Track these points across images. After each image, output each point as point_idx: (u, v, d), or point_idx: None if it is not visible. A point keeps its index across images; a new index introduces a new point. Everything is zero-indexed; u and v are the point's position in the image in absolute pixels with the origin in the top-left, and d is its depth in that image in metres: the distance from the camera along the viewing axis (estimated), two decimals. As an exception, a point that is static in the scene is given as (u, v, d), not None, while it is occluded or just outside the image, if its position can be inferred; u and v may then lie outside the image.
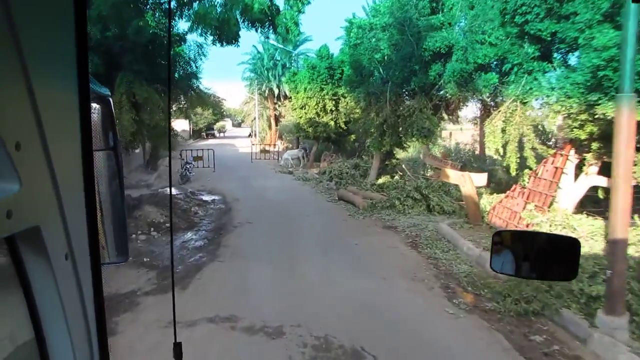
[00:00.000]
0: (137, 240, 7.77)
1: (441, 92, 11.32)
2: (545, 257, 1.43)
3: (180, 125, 50.34)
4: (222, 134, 67.38)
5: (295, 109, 19.59)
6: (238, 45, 9.42)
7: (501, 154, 8.57)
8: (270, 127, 38.98)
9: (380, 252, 7.38)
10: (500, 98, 9.13)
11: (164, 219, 8.74)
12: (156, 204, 9.17)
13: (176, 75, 12.11)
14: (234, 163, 22.26)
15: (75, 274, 0.85)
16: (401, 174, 14.11)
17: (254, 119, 45.25)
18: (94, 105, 0.95)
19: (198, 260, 6.92)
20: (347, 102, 17.16)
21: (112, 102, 1.03)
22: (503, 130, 8.46)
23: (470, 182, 8.51)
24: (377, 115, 12.72)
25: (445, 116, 12.70)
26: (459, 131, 16.76)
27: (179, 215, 9.45)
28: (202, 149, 19.93)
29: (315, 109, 18.15)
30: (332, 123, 18.39)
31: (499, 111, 8.74)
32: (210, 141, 50.68)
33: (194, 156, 19.27)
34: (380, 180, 13.26)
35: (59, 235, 0.80)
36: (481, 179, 8.91)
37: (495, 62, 8.82)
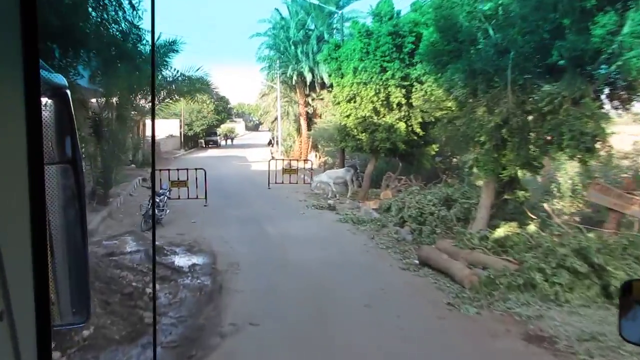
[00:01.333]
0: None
1: (611, 69, 9.63)
2: None
3: (165, 128, 50.90)
4: (229, 141, 67.69)
5: (338, 103, 19.02)
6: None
7: None
8: (299, 131, 38.74)
9: None
10: None
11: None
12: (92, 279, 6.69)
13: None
14: (241, 190, 22.15)
15: (14, 339, 0.90)
16: (534, 218, 11.40)
17: (275, 119, 44.50)
18: (45, 101, 1.03)
19: None
20: (428, 91, 16.24)
21: (69, 97, 1.13)
22: None
23: None
24: (490, 112, 11.24)
25: (611, 109, 10.62)
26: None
27: (113, 307, 6.95)
28: (188, 168, 18.17)
29: (373, 102, 17.53)
30: (400, 125, 17.54)
31: None
32: (212, 152, 51.75)
33: (172, 181, 17.39)
34: (500, 231, 10.54)
35: None
36: None
37: None
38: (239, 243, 12.55)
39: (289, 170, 23.22)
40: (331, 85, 23.37)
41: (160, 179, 17.86)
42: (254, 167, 33.85)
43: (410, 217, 13.88)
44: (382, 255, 11.82)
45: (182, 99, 23.83)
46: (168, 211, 15.19)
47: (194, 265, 10.44)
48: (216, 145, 59.82)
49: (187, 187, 18.15)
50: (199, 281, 9.39)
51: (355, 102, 18.09)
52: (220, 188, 21.52)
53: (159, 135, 47.00)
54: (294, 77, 35.21)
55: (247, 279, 9.63)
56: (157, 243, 11.96)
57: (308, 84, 34.96)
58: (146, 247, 11.51)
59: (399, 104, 17.37)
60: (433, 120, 16.24)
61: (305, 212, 17.34)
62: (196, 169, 18.69)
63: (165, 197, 15.24)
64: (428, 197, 14.39)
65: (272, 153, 45.74)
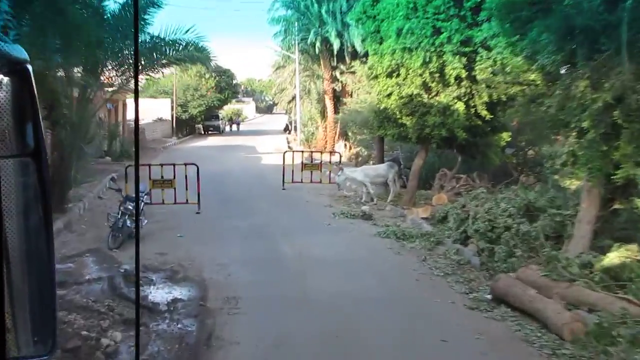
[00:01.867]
0: None
1: None
2: None
3: (152, 109, 50.45)
4: (234, 127, 67.70)
5: (375, 78, 18.58)
6: None
7: None
8: (323, 114, 38.60)
9: None
10: None
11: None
12: None
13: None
14: (246, 192, 21.95)
15: None
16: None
17: (293, 98, 44.25)
18: (0, 78, 1.12)
19: None
20: (499, 59, 15.53)
21: (31, 73, 1.20)
22: None
23: None
24: (596, 87, 10.24)
25: None
26: None
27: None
28: (176, 164, 18.19)
29: (422, 75, 17.01)
30: (459, 107, 16.94)
31: None
32: (212, 141, 51.89)
33: (155, 180, 16.83)
34: (611, 256, 9.44)
35: None
36: None
37: None
38: (240, 267, 11.70)
39: (310, 166, 22.78)
40: (366, 54, 23.26)
41: (135, 178, 16.86)
42: (265, 160, 33.56)
43: (476, 231, 12.93)
44: (439, 286, 10.86)
45: (168, 70, 22.92)
46: (146, 222, 14.27)
47: (175, 301, 9.38)
48: (218, 131, 59.87)
49: (175, 189, 17.49)
50: (179, 326, 8.29)
51: (398, 75, 17.69)
52: (220, 189, 21.33)
53: (144, 119, 46.97)
54: (317, 45, 34.91)
55: (249, 324, 8.51)
56: (126, 267, 11.13)
57: (335, 52, 34.65)
58: (112, 272, 10.57)
59: (458, 78, 16.81)
60: (504, 99, 15.95)
61: (332, 222, 16.62)
62: (186, 165, 18.00)
63: (143, 203, 14.30)
64: (501, 204, 13.30)
65: (288, 142, 45.91)
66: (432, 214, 16.32)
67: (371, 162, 26.22)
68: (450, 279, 11.22)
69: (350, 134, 33.18)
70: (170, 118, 52.60)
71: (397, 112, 17.90)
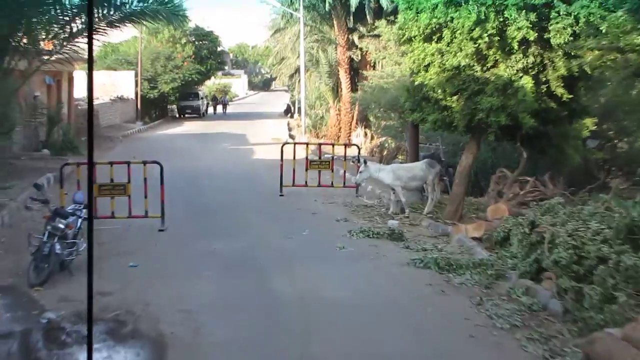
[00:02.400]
0: None
1: None
2: None
3: (110, 85, 49.79)
4: (220, 108, 68.45)
5: (409, 42, 18.15)
6: None
7: None
8: (336, 92, 38.86)
9: None
10: None
11: None
12: None
13: None
14: (231, 199, 21.74)
15: None
16: None
17: (296, 70, 44.72)
18: None
19: None
20: (582, 16, 15.20)
21: None
22: None
23: None
24: None
25: None
26: None
27: None
28: (130, 162, 17.67)
29: (473, 39, 16.56)
30: (526, 83, 16.59)
31: None
32: (189, 127, 52.44)
33: (101, 185, 16.91)
34: None
35: None
36: None
37: None
38: (215, 317, 10.94)
39: (317, 164, 22.33)
40: (394, 11, 23.47)
41: (78, 183, 16.92)
42: (258, 153, 33.50)
43: (556, 263, 12.15)
44: (505, 347, 9.99)
45: (127, 32, 22.55)
46: (84, 246, 13.40)
47: (113, 375, 8.33)
48: (197, 114, 60.52)
49: (129, 197, 16.84)
50: None
51: (440, 39, 17.26)
52: (194, 196, 21.24)
53: (98, 98, 47.06)
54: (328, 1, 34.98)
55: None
56: (50, 316, 10.45)
57: (353, 9, 34.62)
58: (29, 324, 9.91)
59: (524, 42, 16.33)
60: (588, 73, 15.79)
61: (348, 244, 15.93)
62: (145, 163, 17.29)
63: (79, 220, 13.35)
64: (591, 223, 12.63)
65: (290, 129, 46.46)
66: (487, 233, 15.75)
67: (400, 158, 25.35)
68: (520, 334, 10.35)
69: (372, 118, 32.56)
70: (134, 96, 52.42)
71: (439, 91, 17.32)
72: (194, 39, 57.00)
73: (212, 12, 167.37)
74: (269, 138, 41.06)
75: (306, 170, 21.71)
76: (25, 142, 28.61)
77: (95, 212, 15.99)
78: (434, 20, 16.76)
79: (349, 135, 36.36)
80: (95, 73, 50.87)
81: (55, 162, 25.86)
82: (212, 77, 67.63)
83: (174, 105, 59.12)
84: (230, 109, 70.79)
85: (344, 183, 21.62)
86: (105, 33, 19.70)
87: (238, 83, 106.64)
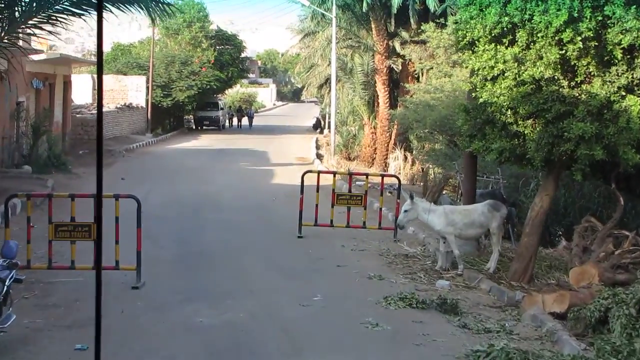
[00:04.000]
0: None
1: None
2: None
3: (119, 91, 48.51)
4: (245, 121, 67.95)
5: (469, 46, 15.88)
6: None
7: None
8: (372, 107, 37.43)
9: None
10: None
11: None
12: None
13: None
14: (234, 239, 19.06)
15: None
16: None
17: (326, 80, 43.61)
18: None
19: None
20: None
21: None
22: None
23: None
24: None
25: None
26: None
27: None
28: (99, 195, 13.46)
29: (561, 43, 14.39)
30: (631, 104, 14.70)
31: None
32: (205, 140, 52.16)
33: (59, 225, 14.75)
34: None
35: None
36: None
37: None
38: None
39: (347, 199, 19.47)
40: (443, 14, 22.77)
41: (29, 222, 14.41)
42: (279, 177, 31.13)
43: None
44: None
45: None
46: (14, 317, 11.01)
47: None
48: (216, 126, 59.18)
49: (95, 241, 13.89)
50: None
51: (513, 43, 14.74)
52: (189, 232, 19.07)
53: (102, 106, 43.51)
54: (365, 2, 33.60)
55: None
56: None
57: (395, 10, 33.20)
58: None
59: (631, 50, 14.04)
60: None
61: (382, 317, 13.23)
62: (117, 198, 14.63)
63: (5, 284, 10.35)
64: None
65: (318, 147, 45.67)
66: (571, 307, 12.84)
67: (447, 192, 22.19)
68: None
69: (414, 140, 29.66)
70: (144, 104, 50.54)
71: (509, 111, 14.59)
72: (215, 43, 55.11)
73: (241, 15, 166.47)
74: (293, 157, 38.92)
75: (332, 206, 18.93)
76: (4, 156, 25.74)
77: (49, 260, 13.62)
78: (506, 18, 14.14)
79: (386, 158, 34.19)
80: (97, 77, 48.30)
81: (31, 183, 23.32)
82: (236, 85, 66.42)
83: (191, 116, 57.43)
84: (255, 120, 68.80)
85: (380, 224, 18.82)
86: (61, 20, 16.94)
87: (266, 93, 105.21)
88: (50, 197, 14.63)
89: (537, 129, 14.16)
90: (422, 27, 30.60)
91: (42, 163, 27.17)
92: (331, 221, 18.80)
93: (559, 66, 13.88)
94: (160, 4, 17.42)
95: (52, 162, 27.45)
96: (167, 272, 14.87)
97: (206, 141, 48.97)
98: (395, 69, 34.76)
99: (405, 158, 31.53)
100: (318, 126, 60.13)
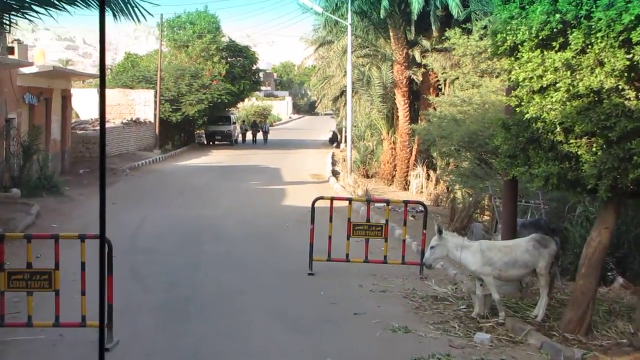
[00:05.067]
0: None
1: None
2: None
3: (125, 106, 48.06)
4: (260, 136, 66.50)
5: (511, 52, 13.96)
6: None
7: None
8: (391, 121, 35.95)
9: None
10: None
11: None
12: None
13: None
14: (233, 276, 16.49)
15: None
16: None
17: (341, 93, 42.46)
18: None
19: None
20: None
21: None
22: None
23: None
24: None
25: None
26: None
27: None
28: (60, 236, 12.98)
29: (628, 49, 12.54)
30: None
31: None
32: (215, 157, 50.94)
33: (12, 273, 12.75)
34: None
35: None
36: None
37: None
38: None
39: (365, 229, 16.74)
40: (466, 19, 21.94)
41: None
42: (291, 198, 28.96)
43: None
44: None
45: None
46: None
47: None
48: (228, 141, 57.59)
49: (57, 292, 11.62)
50: None
51: (567, 46, 12.58)
52: (184, 271, 16.28)
53: (107, 121, 41.97)
54: (385, 3, 31.28)
55: None
56: None
57: (415, 17, 31.36)
58: None
59: None
60: None
61: None
62: (83, 239, 12.05)
63: None
64: None
65: (334, 163, 43.81)
66: None
67: (478, 217, 19.53)
68: None
69: (437, 157, 27.39)
70: (153, 119, 48.84)
71: (558, 128, 12.27)
72: (226, 55, 53.79)
73: (257, 28, 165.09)
74: (307, 175, 36.92)
75: (348, 237, 16.25)
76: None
77: (0, 317, 11.22)
78: (556, 16, 11.83)
79: (406, 176, 32.10)
80: (107, 92, 47.48)
81: (13, 210, 21.09)
82: (254, 99, 65.13)
83: (202, 130, 55.78)
84: (270, 134, 66.91)
85: (403, 258, 16.13)
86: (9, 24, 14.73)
87: (281, 105, 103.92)
88: (1, 239, 12.07)
89: (595, 149, 11.69)
90: (445, 34, 28.84)
91: (33, 185, 24.93)
92: (347, 255, 16.17)
93: (625, 74, 11.42)
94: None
95: (43, 184, 25.17)
96: (149, 326, 12.33)
97: (217, 157, 47.29)
98: (416, 80, 32.98)
99: (428, 176, 29.28)
100: (334, 140, 58.30)
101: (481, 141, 20.05)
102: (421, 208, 18.14)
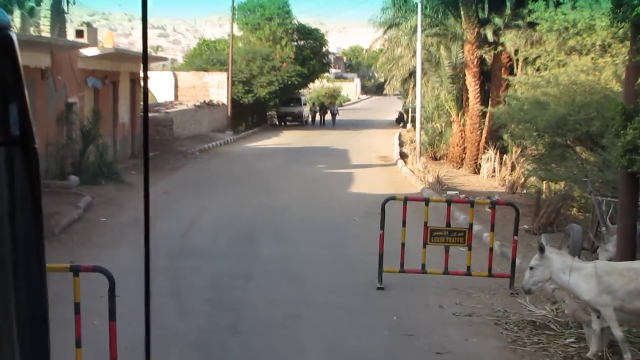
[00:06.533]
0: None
1: None
2: None
3: (199, 88, 46.35)
4: (329, 117, 60.82)
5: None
6: None
7: None
8: (462, 103, 32.66)
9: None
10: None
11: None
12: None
13: None
14: (288, 295, 12.60)
15: None
16: None
17: (409, 75, 38.90)
18: None
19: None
20: None
21: (15, 40, 1.35)
22: None
23: None
24: None
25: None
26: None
27: None
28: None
29: None
30: None
31: None
32: (285, 137, 45.96)
33: None
34: None
35: None
36: None
37: None
38: None
39: (445, 235, 12.80)
40: None
41: None
42: (359, 183, 25.15)
43: None
44: None
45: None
46: None
47: None
48: (299, 121, 54.00)
49: None
50: None
51: None
52: (229, 284, 12.49)
53: (180, 104, 41.76)
54: None
55: None
56: None
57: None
58: None
59: None
60: None
61: None
62: (75, 271, 8.43)
63: None
64: None
65: (401, 144, 40.34)
66: None
67: (573, 215, 15.55)
68: None
69: (508, 140, 23.40)
70: (226, 101, 45.54)
71: None
72: (296, 38, 51.08)
73: (329, 16, 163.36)
74: (375, 157, 33.27)
75: (424, 245, 12.30)
76: (48, 165, 20.25)
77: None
78: None
79: (476, 159, 28.36)
80: (182, 75, 44.07)
81: (61, 201, 17.70)
82: (325, 80, 62.62)
83: (274, 112, 52.54)
84: (341, 115, 63.13)
85: (490, 270, 12.22)
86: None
87: (350, 87, 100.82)
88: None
89: None
90: (528, 7, 24.79)
91: (92, 173, 21.85)
92: (422, 265, 12.23)
93: None
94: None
95: (103, 171, 21.98)
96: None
97: (287, 138, 43.94)
98: (488, 59, 29.32)
99: (501, 160, 25.32)
100: (401, 120, 54.64)
101: (570, 126, 16.08)
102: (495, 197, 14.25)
